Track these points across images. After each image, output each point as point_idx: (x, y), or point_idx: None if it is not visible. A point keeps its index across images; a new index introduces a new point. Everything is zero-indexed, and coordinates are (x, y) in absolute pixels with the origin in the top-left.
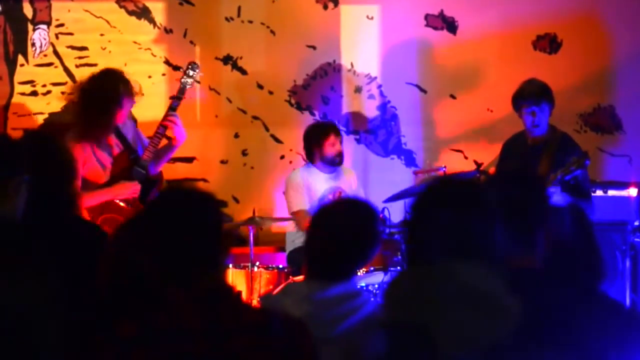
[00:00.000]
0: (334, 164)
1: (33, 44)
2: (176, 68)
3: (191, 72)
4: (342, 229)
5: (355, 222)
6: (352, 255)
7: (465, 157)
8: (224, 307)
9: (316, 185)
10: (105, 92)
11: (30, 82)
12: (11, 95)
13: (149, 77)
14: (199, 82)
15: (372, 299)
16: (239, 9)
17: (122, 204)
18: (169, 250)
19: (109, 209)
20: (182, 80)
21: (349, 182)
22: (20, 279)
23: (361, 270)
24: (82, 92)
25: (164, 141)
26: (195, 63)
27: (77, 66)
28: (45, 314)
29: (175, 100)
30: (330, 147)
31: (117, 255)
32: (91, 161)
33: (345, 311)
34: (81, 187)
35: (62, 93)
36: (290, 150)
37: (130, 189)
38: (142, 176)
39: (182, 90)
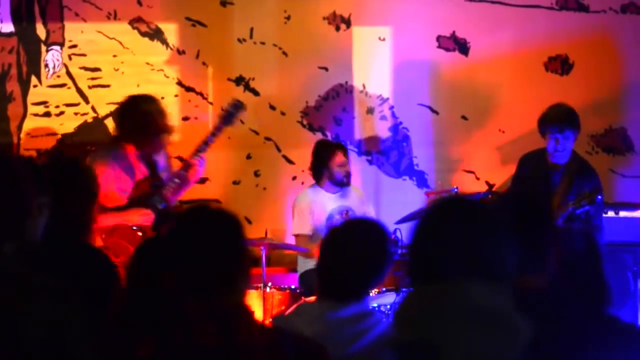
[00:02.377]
0: (342, 184)
1: (46, 65)
2: (189, 89)
3: (232, 110)
4: (354, 249)
5: (366, 242)
6: (364, 276)
7: (477, 178)
8: (240, 327)
9: (324, 206)
10: (156, 118)
11: (44, 103)
12: (24, 116)
13: (162, 98)
14: (242, 122)
15: (384, 319)
16: (252, 30)
17: (137, 232)
18: (192, 268)
19: (121, 233)
20: (224, 116)
21: (357, 202)
22: (41, 301)
23: (373, 291)
24: (133, 112)
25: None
26: (239, 102)
27: (90, 87)
28: (68, 336)
29: (210, 137)
30: (338, 168)
31: (139, 273)
32: (110, 185)
33: (357, 331)
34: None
35: (75, 114)
36: (302, 171)
37: (143, 216)
38: (159, 206)
39: (219, 128)
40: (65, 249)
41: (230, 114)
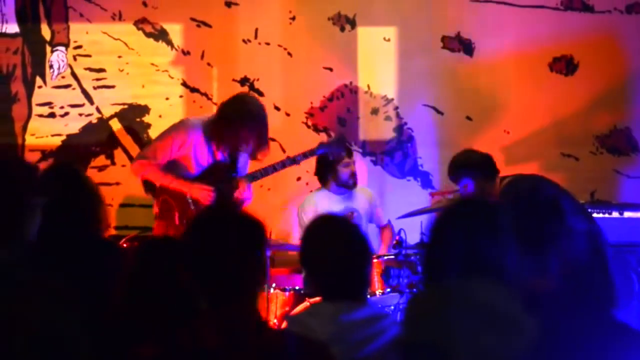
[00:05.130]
0: (348, 185)
1: (51, 66)
2: (193, 90)
3: (334, 149)
4: (337, 244)
5: (344, 233)
6: (356, 264)
7: None
8: (246, 330)
9: (329, 208)
10: (239, 116)
11: (48, 103)
12: (29, 116)
13: (167, 98)
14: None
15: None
16: (256, 31)
17: (190, 204)
18: (208, 270)
19: (175, 196)
20: (319, 149)
21: (366, 203)
22: (42, 300)
23: (378, 292)
24: (229, 105)
25: None
26: (345, 142)
27: (94, 88)
28: (72, 334)
29: (300, 156)
30: (344, 169)
31: (146, 272)
32: (188, 149)
33: (371, 333)
34: (167, 166)
35: (80, 115)
36: (307, 172)
37: (203, 192)
38: (226, 192)
39: (308, 154)
40: (78, 242)
41: (329, 147)
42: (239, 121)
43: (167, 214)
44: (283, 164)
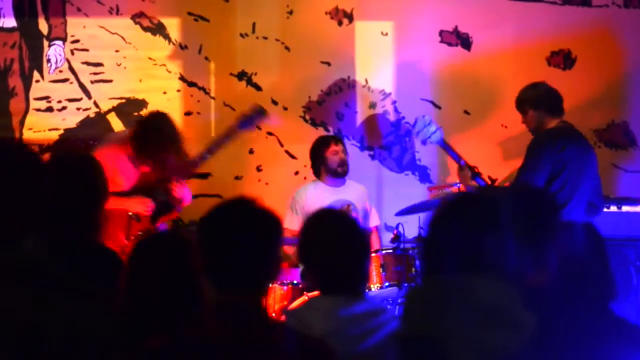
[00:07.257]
0: (338, 174)
1: (48, 60)
2: (191, 84)
3: (253, 115)
4: (336, 238)
5: (343, 228)
6: (354, 259)
7: (480, 173)
8: (250, 324)
9: (323, 200)
10: (166, 134)
11: (46, 98)
12: (26, 111)
13: (164, 93)
14: (259, 128)
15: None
16: (254, 25)
17: (133, 219)
18: (220, 260)
19: (116, 218)
20: (242, 120)
21: (358, 197)
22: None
23: (376, 286)
24: (147, 122)
25: None
26: (261, 108)
27: (92, 82)
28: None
29: (224, 138)
30: (332, 156)
31: (160, 265)
32: (114, 171)
33: (370, 328)
34: None
35: (78, 109)
36: (305, 166)
37: (143, 204)
38: (161, 198)
39: (234, 131)
40: (74, 248)
41: (250, 119)
42: (156, 138)
43: (112, 237)
44: (210, 150)
